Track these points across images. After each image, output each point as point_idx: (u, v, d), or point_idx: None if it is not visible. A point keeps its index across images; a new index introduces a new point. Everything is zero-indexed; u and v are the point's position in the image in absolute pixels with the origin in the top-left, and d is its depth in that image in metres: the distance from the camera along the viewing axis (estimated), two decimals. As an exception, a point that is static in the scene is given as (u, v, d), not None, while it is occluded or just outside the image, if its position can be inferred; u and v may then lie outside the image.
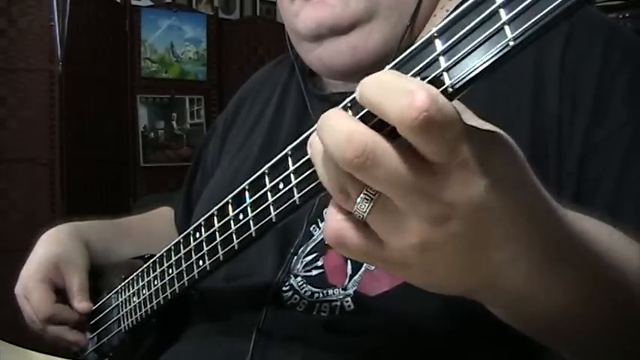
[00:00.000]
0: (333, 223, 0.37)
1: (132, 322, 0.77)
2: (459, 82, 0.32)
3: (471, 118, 0.37)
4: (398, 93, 0.31)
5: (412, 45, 0.35)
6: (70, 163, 2.43)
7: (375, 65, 0.67)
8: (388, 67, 0.36)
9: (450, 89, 0.33)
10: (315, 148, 0.37)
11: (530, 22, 0.30)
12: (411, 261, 0.36)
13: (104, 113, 2.71)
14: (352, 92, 0.76)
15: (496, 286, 0.39)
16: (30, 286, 0.84)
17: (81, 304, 0.84)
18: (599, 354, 0.48)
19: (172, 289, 0.66)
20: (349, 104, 0.37)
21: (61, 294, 0.86)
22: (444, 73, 0.33)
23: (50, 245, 0.87)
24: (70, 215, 0.95)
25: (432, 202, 0.33)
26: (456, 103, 0.34)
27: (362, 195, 0.35)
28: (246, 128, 0.84)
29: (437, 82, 0.33)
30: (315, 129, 0.37)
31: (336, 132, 0.33)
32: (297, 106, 0.77)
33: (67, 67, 2.43)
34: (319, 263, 0.63)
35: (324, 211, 0.65)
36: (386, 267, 0.38)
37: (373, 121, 0.34)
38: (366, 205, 0.35)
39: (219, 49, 3.12)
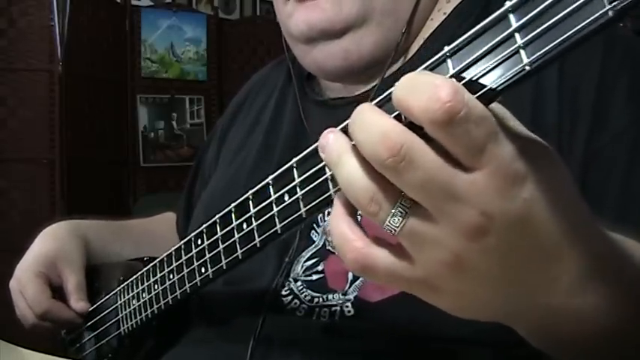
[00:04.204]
0: (356, 247, 0.35)
1: (132, 325, 0.77)
2: None
3: (517, 127, 0.35)
4: (423, 86, 0.31)
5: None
6: (70, 163, 2.43)
7: (369, 68, 0.67)
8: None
9: None
10: (337, 151, 0.35)
11: (546, 48, 0.29)
12: (442, 282, 0.35)
13: (104, 113, 2.71)
14: (350, 97, 0.75)
15: (533, 308, 0.38)
16: (25, 280, 0.83)
17: (79, 303, 0.83)
18: None
19: (174, 295, 0.66)
20: (380, 103, 0.35)
21: (56, 291, 0.85)
22: None
23: (47, 241, 0.87)
24: (70, 215, 0.95)
25: (468, 211, 0.32)
26: (499, 107, 0.34)
27: (395, 207, 0.33)
28: (244, 130, 0.84)
29: None
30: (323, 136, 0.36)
31: (370, 128, 0.32)
32: (295, 109, 0.77)
33: (67, 67, 2.43)
34: (319, 268, 0.63)
35: (319, 216, 0.65)
36: (414, 290, 0.37)
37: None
38: (400, 218, 0.33)
39: (219, 49, 3.12)
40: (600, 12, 0.28)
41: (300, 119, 0.75)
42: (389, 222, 0.34)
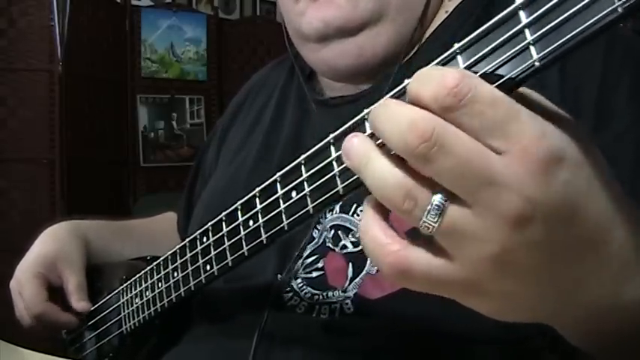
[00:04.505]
0: (392, 251, 0.33)
1: (134, 323, 0.77)
2: None
3: (546, 105, 0.34)
4: (432, 77, 0.31)
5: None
6: (70, 163, 2.42)
7: (379, 67, 0.67)
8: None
9: None
10: (364, 153, 0.34)
11: (556, 44, 0.30)
12: (486, 282, 0.33)
13: (104, 113, 2.71)
14: (350, 96, 0.76)
15: (579, 303, 0.36)
16: (23, 280, 0.84)
17: (80, 303, 0.84)
18: None
19: (178, 293, 0.66)
20: (394, 97, 0.35)
21: (56, 292, 0.85)
22: None
23: (48, 242, 0.87)
24: (70, 215, 0.95)
25: (508, 196, 0.30)
26: (524, 88, 0.33)
27: (431, 203, 0.32)
28: (244, 130, 0.84)
29: None
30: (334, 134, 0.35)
31: (397, 118, 0.31)
32: (297, 109, 0.77)
33: (67, 67, 2.43)
34: (319, 265, 0.63)
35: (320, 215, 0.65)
36: (455, 293, 0.35)
37: None
38: (437, 212, 0.32)
39: (219, 49, 3.11)
40: (610, 8, 0.28)
41: (302, 118, 0.75)
42: (426, 219, 0.32)
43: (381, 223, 0.35)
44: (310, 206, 0.43)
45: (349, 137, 0.36)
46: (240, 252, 0.54)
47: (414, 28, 0.66)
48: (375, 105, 0.34)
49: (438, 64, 0.34)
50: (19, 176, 2.39)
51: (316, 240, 0.64)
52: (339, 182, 0.40)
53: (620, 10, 0.27)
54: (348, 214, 0.62)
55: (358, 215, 0.62)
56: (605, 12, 0.28)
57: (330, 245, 0.63)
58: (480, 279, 0.33)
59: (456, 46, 0.33)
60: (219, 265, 0.58)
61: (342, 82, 0.72)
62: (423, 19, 0.67)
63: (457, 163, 0.30)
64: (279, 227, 0.48)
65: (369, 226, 0.35)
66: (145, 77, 2.92)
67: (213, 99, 3.08)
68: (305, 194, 0.43)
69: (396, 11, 0.65)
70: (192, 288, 0.63)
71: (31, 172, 2.40)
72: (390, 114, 0.32)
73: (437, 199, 0.32)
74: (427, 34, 0.68)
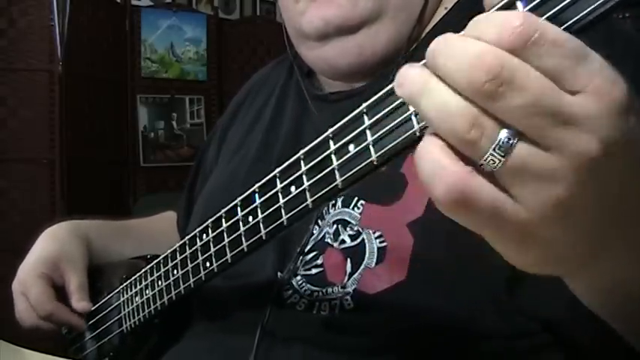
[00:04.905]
0: (456, 171, 0.30)
1: (134, 322, 0.77)
2: None
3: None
4: (493, 18, 0.29)
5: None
6: (70, 163, 2.42)
7: (378, 66, 0.67)
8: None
9: None
10: (422, 79, 0.31)
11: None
12: (542, 227, 0.30)
13: (104, 113, 2.71)
14: (349, 91, 0.76)
15: (626, 248, 0.34)
16: (29, 281, 0.83)
17: (80, 303, 0.84)
18: None
19: (177, 291, 0.66)
20: None
21: (58, 292, 0.85)
22: None
23: (49, 242, 0.87)
24: (70, 215, 0.95)
25: (583, 136, 0.28)
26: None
27: (499, 138, 0.29)
28: (244, 128, 0.84)
29: None
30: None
31: (461, 51, 0.29)
32: (296, 106, 0.77)
33: (67, 67, 2.43)
34: (319, 262, 0.63)
35: (323, 210, 0.65)
36: (506, 237, 0.32)
37: None
38: (504, 151, 0.29)
39: (219, 49, 3.12)
40: None
41: (302, 116, 0.75)
42: (492, 152, 0.29)
43: (442, 145, 0.31)
44: (309, 201, 0.43)
45: (403, 68, 0.32)
46: (239, 248, 0.54)
47: (413, 26, 0.66)
48: (435, 40, 0.31)
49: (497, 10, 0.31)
50: (19, 176, 2.39)
51: (315, 235, 0.64)
52: (337, 176, 0.40)
53: None
54: (348, 207, 0.62)
55: (358, 208, 0.62)
56: None
57: (329, 241, 0.63)
58: (539, 222, 0.30)
59: None
60: (219, 262, 0.58)
61: (341, 81, 0.72)
62: (422, 16, 0.67)
63: (528, 102, 0.28)
64: (278, 222, 0.48)
65: (429, 149, 0.31)
66: (145, 77, 2.92)
67: (213, 99, 3.08)
68: (304, 189, 0.43)
69: (395, 9, 0.65)
70: (192, 285, 0.63)
71: (31, 172, 2.40)
72: (453, 48, 0.30)
73: (505, 133, 0.29)
74: (427, 30, 0.69)
